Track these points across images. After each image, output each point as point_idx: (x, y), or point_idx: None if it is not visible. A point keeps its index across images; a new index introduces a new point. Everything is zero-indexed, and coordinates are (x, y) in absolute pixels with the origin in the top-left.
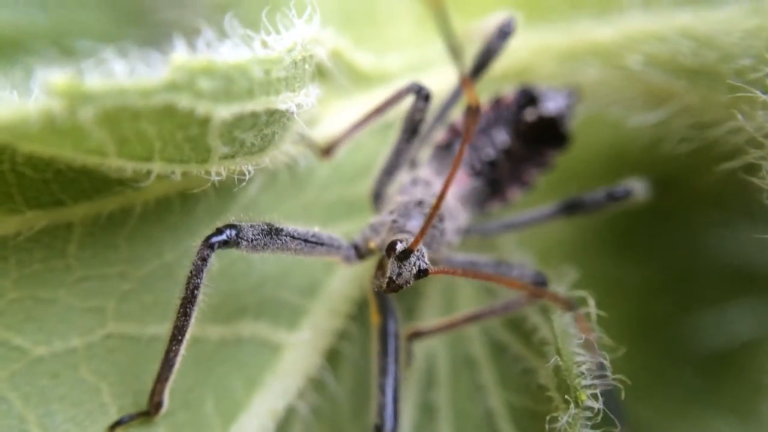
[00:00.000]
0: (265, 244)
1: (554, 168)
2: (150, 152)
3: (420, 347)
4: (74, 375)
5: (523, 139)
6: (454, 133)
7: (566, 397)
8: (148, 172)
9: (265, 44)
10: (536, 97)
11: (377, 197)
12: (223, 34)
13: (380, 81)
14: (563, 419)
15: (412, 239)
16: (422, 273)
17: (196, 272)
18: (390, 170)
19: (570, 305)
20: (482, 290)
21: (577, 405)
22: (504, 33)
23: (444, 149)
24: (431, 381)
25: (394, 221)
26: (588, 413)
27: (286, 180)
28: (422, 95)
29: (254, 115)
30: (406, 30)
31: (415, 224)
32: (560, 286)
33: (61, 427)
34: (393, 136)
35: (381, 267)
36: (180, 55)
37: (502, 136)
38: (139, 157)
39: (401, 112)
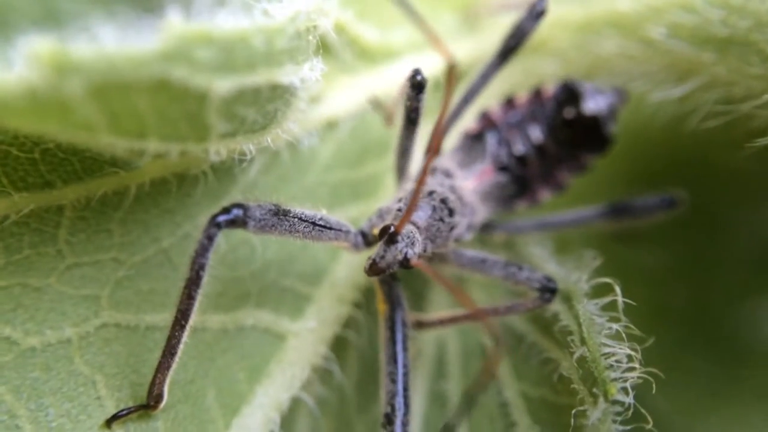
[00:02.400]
0: (272, 225)
1: (590, 171)
2: (143, 128)
3: (430, 335)
4: (68, 367)
5: (559, 138)
6: (487, 122)
7: (593, 390)
8: (142, 152)
9: (266, 13)
10: (578, 94)
11: (400, 174)
12: (220, 1)
13: (385, 57)
14: (593, 415)
15: (409, 226)
16: (405, 262)
17: (202, 251)
18: (402, 154)
19: (498, 341)
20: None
21: (606, 399)
22: (536, 12)
23: (473, 139)
24: (442, 370)
25: (400, 210)
26: (617, 408)
27: (287, 161)
28: (415, 84)
29: (255, 90)
30: (415, 4)
31: (421, 215)
32: (582, 274)
33: (54, 421)
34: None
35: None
36: (175, 21)
37: (536, 132)
38: (132, 134)
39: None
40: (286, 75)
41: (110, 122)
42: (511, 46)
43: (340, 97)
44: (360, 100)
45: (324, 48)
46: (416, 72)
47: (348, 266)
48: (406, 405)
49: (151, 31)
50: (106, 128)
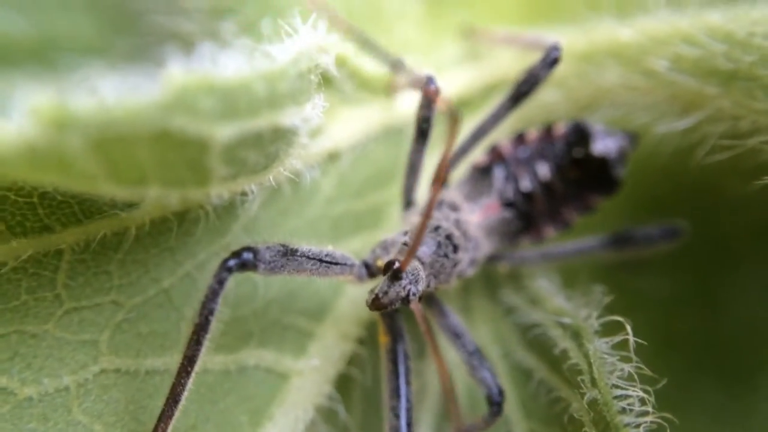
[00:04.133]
0: (282, 266)
1: (597, 212)
2: (143, 176)
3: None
4: (66, 417)
5: (567, 177)
6: (496, 156)
7: None
8: (143, 197)
9: (268, 55)
10: (588, 134)
11: (407, 203)
12: (219, 42)
13: (386, 87)
14: None
15: (414, 262)
16: (407, 300)
17: (212, 296)
18: (410, 176)
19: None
20: (499, 312)
21: None
22: (550, 60)
23: (481, 172)
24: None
25: (405, 244)
26: None
27: (289, 195)
28: (428, 92)
29: (257, 134)
30: (414, 32)
31: (426, 250)
32: (592, 310)
33: None
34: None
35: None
36: (175, 71)
37: (544, 170)
38: (132, 182)
39: (408, 116)
40: (288, 117)
41: (110, 172)
42: (523, 91)
43: (342, 129)
44: (361, 130)
45: (325, 81)
46: (429, 80)
47: (351, 302)
48: None
49: (152, 81)
50: (105, 178)
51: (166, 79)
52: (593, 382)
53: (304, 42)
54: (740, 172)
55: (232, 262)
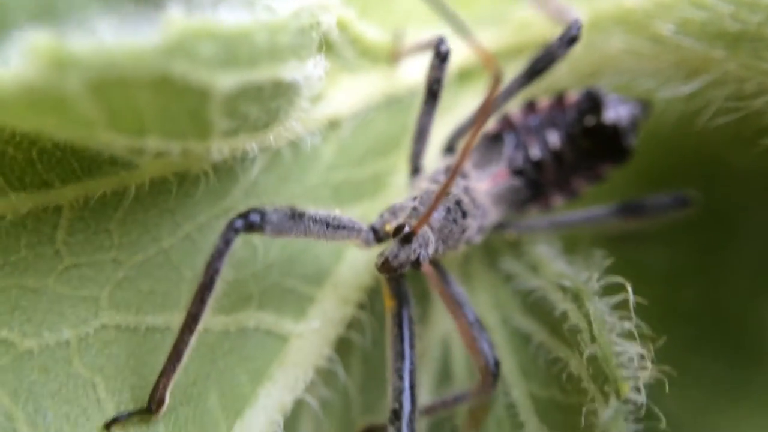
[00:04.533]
0: (289, 228)
1: (606, 181)
2: (143, 125)
3: (434, 334)
4: (67, 369)
5: (577, 146)
6: (506, 124)
7: (605, 388)
8: (142, 149)
9: (269, 8)
10: (600, 102)
11: (414, 170)
12: None
13: (388, 56)
14: (605, 415)
15: (424, 226)
16: (417, 264)
17: (218, 256)
18: (419, 141)
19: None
20: (499, 279)
21: (618, 397)
22: (569, 38)
23: (491, 141)
24: (447, 371)
25: (414, 209)
26: (629, 407)
27: (289, 161)
28: (441, 53)
29: (258, 87)
30: (416, 2)
31: (435, 216)
32: (593, 272)
33: (53, 424)
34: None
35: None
36: (176, 16)
37: (554, 138)
38: (132, 131)
39: (414, 86)
40: (290, 71)
41: (109, 118)
42: (539, 68)
43: (343, 97)
44: (362, 99)
45: (326, 46)
46: (440, 41)
47: (351, 267)
48: (413, 402)
49: (152, 26)
50: (105, 125)
51: (167, 23)
52: (593, 339)
53: None
54: (743, 139)
55: (239, 223)
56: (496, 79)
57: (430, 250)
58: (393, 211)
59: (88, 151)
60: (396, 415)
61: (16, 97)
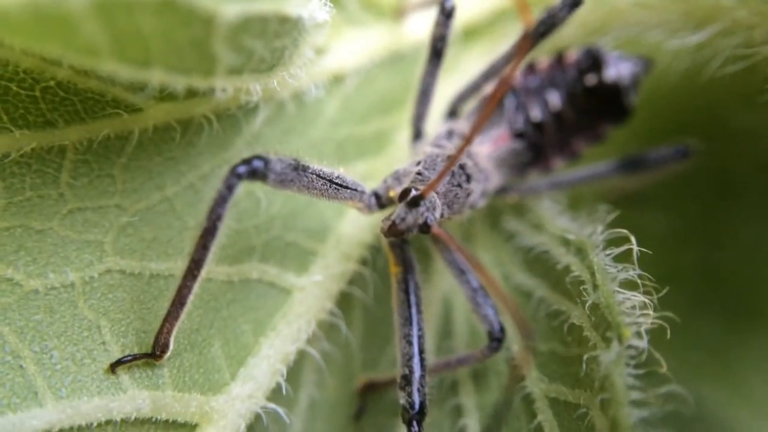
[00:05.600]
0: (291, 180)
1: (606, 141)
2: (148, 55)
3: (436, 292)
4: (72, 311)
5: (578, 106)
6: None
7: (607, 334)
8: (145, 84)
9: None
10: (601, 60)
11: (417, 134)
12: None
13: (393, 11)
14: (606, 359)
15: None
16: (425, 227)
17: (221, 201)
18: (422, 102)
19: (529, 335)
20: (501, 238)
21: (620, 342)
22: (572, 3)
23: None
24: (448, 328)
25: (419, 173)
26: (631, 351)
27: (293, 114)
28: (446, 9)
29: (263, 19)
30: None
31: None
32: (597, 226)
33: (59, 364)
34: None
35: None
36: None
37: (554, 99)
38: (136, 61)
39: (418, 42)
40: (295, 6)
41: (114, 45)
42: (541, 32)
43: (346, 50)
44: (366, 54)
45: None
46: None
47: (353, 224)
48: (423, 366)
49: None
50: (109, 52)
51: None
52: (595, 288)
53: None
54: (747, 95)
55: (242, 169)
56: (526, 41)
57: (437, 214)
58: (397, 177)
59: (90, 92)
60: (406, 380)
61: (22, 17)
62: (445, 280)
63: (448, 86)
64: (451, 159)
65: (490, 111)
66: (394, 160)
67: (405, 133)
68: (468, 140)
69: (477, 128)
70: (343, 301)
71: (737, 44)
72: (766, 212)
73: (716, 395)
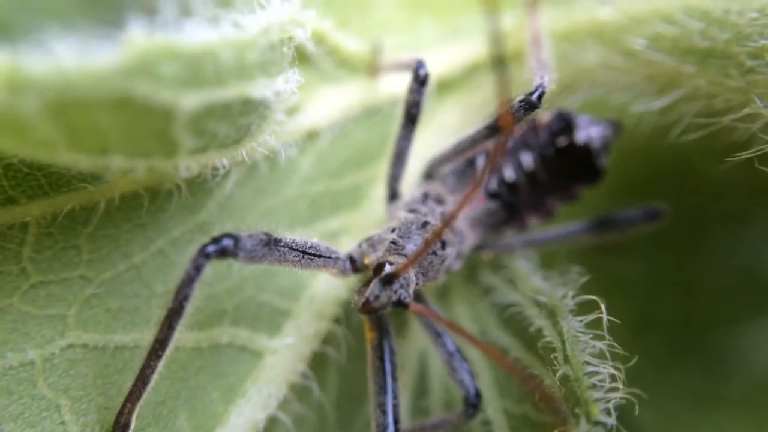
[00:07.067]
0: (262, 255)
1: (579, 200)
2: (106, 145)
3: (412, 348)
4: (31, 391)
5: (551, 167)
6: (481, 148)
7: (576, 410)
8: (106, 168)
9: (237, 24)
10: (572, 123)
11: (392, 194)
12: (187, 12)
13: (367, 68)
14: None
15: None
16: (400, 304)
17: (188, 282)
18: (396, 164)
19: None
20: (477, 292)
21: (588, 420)
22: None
23: (464, 164)
24: (424, 387)
25: (393, 242)
26: (600, 429)
27: (265, 173)
28: (419, 76)
29: (226, 105)
30: (395, 12)
31: (413, 248)
32: (568, 290)
33: None
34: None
35: (366, 284)
36: (137, 35)
37: (528, 160)
38: (94, 151)
39: (393, 96)
40: (258, 89)
41: (70, 140)
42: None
43: (320, 107)
44: (341, 110)
45: (302, 58)
46: (419, 64)
47: (328, 281)
48: None
49: (112, 46)
50: (65, 146)
51: (127, 42)
52: (566, 359)
53: (276, 13)
54: (714, 153)
55: (211, 248)
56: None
57: (411, 290)
58: (371, 243)
59: (55, 167)
60: None
61: None
62: (420, 336)
63: (423, 138)
64: (427, 242)
65: (465, 203)
66: (369, 213)
67: (381, 186)
68: (446, 224)
69: (456, 212)
70: (316, 361)
71: (698, 111)
72: (735, 261)
73: None
